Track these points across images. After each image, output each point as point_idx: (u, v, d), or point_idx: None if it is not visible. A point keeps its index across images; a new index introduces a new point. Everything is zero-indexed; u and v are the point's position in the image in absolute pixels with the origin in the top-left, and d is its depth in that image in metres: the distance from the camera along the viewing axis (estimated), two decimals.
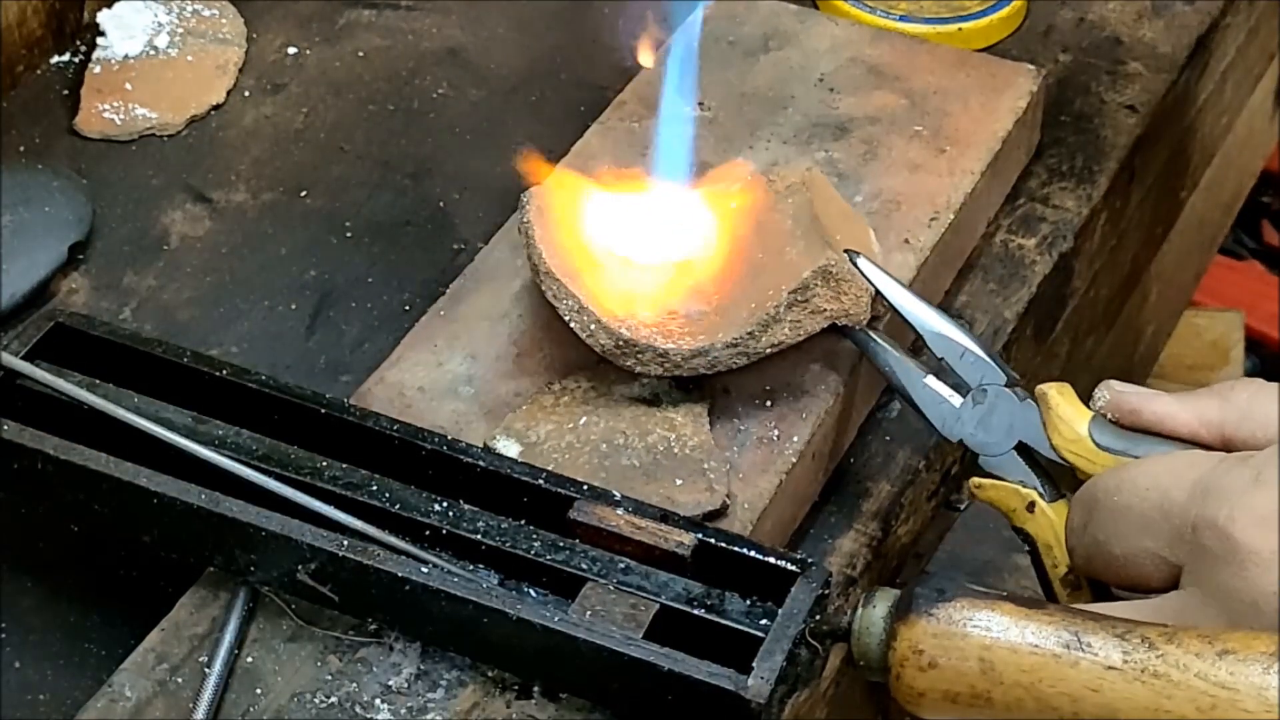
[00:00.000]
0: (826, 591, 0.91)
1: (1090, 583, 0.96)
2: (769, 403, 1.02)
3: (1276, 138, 1.72)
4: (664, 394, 1.01)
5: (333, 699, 0.91)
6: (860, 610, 0.89)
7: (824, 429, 1.03)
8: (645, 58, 1.18)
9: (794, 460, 1.00)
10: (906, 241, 1.11)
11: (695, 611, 0.91)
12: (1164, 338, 1.63)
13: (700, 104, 1.19)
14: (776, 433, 1.01)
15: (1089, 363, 1.36)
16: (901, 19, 1.31)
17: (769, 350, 1.00)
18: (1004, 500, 0.99)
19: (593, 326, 1.00)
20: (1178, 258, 1.52)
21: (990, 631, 0.86)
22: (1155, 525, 0.91)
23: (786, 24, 1.25)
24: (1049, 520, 0.98)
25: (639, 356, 1.00)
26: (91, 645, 0.98)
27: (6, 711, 0.95)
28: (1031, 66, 1.23)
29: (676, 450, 0.99)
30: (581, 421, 1.00)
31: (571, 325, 1.00)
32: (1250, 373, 2.16)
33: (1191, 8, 1.36)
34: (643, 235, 1.06)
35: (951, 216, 1.13)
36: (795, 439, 1.01)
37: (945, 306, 1.16)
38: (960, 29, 1.31)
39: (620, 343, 0.99)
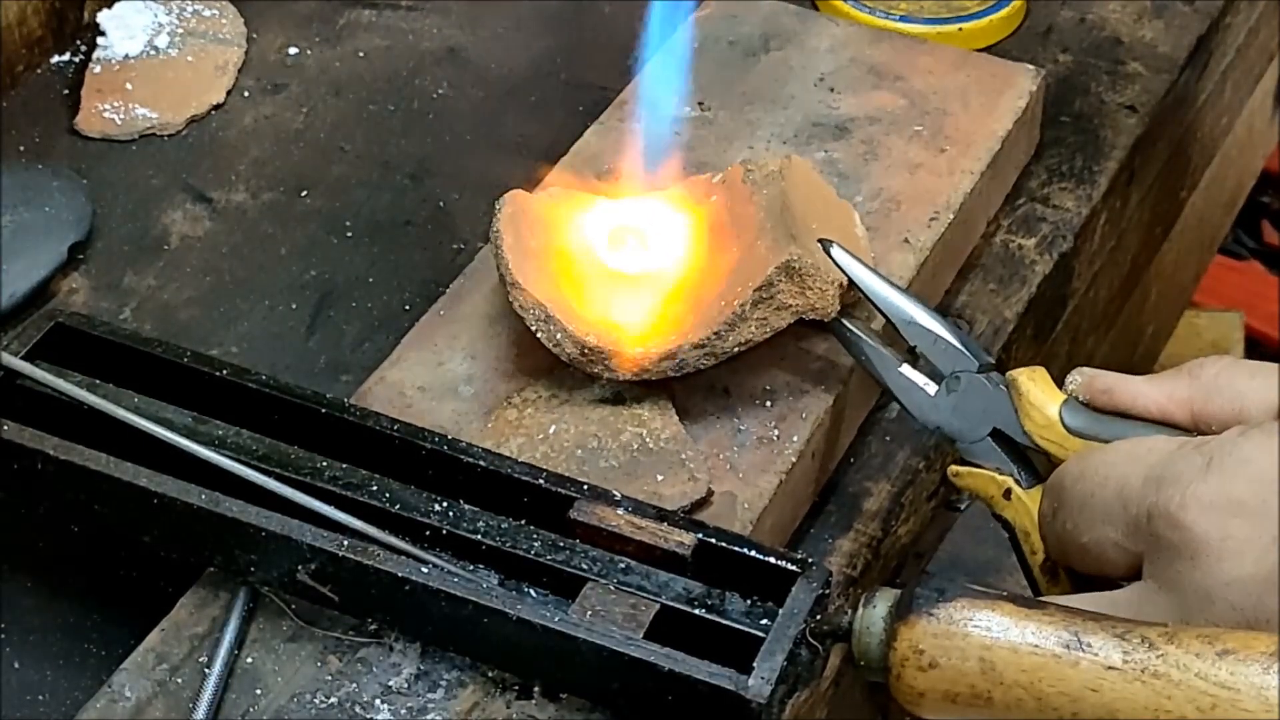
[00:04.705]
0: (827, 591, 0.91)
1: (1069, 571, 0.96)
2: (769, 403, 1.02)
3: (1276, 138, 1.72)
4: (626, 391, 1.01)
5: (333, 699, 0.91)
6: (860, 610, 0.89)
7: (824, 429, 1.03)
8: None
9: (794, 460, 1.00)
10: (906, 241, 1.11)
11: (695, 611, 0.91)
12: (1164, 338, 1.63)
13: (700, 104, 1.19)
14: (776, 433, 1.01)
15: (1089, 363, 1.35)
16: (901, 19, 1.31)
17: (737, 349, 1.00)
18: (982, 487, 0.99)
19: (559, 336, 1.00)
20: (1178, 258, 1.52)
21: (990, 631, 0.86)
22: (1115, 513, 0.90)
23: (786, 24, 1.25)
24: (1025, 507, 0.97)
25: (606, 363, 1.00)
26: (91, 645, 0.98)
27: (6, 711, 0.95)
28: (1031, 66, 1.23)
29: (651, 445, 0.99)
30: (551, 430, 1.00)
31: (538, 335, 1.00)
32: None
33: (1191, 8, 1.36)
34: (619, 236, 1.06)
35: (951, 216, 1.13)
36: (795, 439, 1.01)
37: (945, 306, 1.16)
38: (960, 29, 1.31)
39: (585, 350, 0.99)
